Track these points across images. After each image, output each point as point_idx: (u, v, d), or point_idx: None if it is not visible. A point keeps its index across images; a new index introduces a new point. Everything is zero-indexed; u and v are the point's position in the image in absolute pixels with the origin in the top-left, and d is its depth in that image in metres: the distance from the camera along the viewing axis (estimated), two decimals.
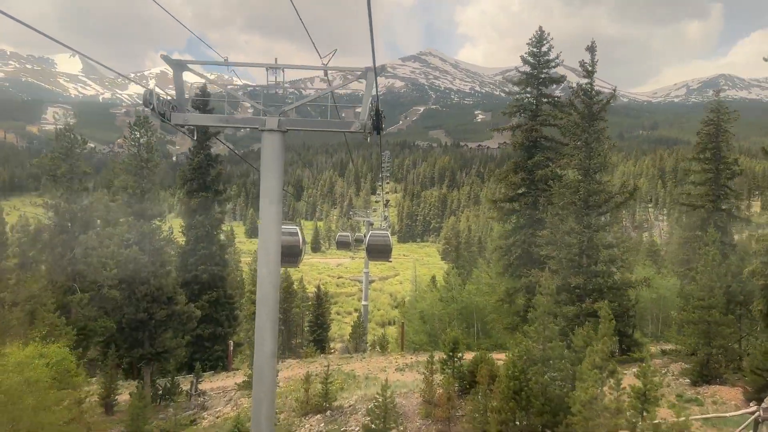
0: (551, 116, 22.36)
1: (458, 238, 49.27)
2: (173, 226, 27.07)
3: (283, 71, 13.48)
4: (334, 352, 68.90)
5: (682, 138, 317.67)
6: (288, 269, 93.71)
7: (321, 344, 68.29)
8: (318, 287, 74.50)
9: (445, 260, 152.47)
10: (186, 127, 14.83)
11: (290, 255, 16.14)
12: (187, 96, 13.73)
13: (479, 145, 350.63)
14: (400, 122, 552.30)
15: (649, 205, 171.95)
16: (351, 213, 73.42)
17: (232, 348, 29.82)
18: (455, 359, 17.14)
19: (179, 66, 13.40)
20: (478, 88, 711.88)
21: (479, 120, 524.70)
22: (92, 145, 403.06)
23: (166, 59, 13.32)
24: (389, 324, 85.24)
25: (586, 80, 18.48)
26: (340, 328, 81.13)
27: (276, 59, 13.65)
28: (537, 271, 18.49)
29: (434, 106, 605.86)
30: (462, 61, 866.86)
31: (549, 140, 22.84)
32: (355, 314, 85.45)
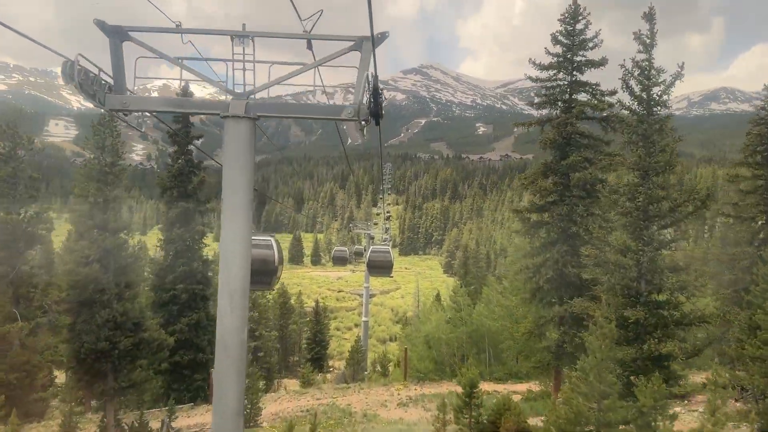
0: (590, 107, 18.27)
1: (466, 252, 45.69)
2: (150, 241, 23.82)
3: (252, 41, 10.25)
4: (333, 371, 65.37)
5: (685, 151, 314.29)
6: (285, 281, 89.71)
7: (319, 362, 64.72)
8: (316, 302, 71.02)
9: (447, 273, 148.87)
10: (130, 114, 11.60)
11: (262, 274, 12.45)
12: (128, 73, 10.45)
13: (481, 158, 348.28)
14: (402, 134, 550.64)
15: None
16: (351, 226, 69.67)
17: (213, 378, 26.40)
18: (473, 406, 13.78)
19: (117, 33, 10.16)
20: (479, 101, 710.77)
21: (480, 132, 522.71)
22: (91, 156, 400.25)
23: (100, 24, 10.03)
24: (390, 340, 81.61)
25: (642, 56, 14.61)
26: (340, 344, 77.46)
27: (244, 25, 10.37)
28: (581, 300, 14.79)
29: (436, 119, 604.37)
30: (463, 74, 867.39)
31: (586, 137, 18.63)
32: (356, 329, 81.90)
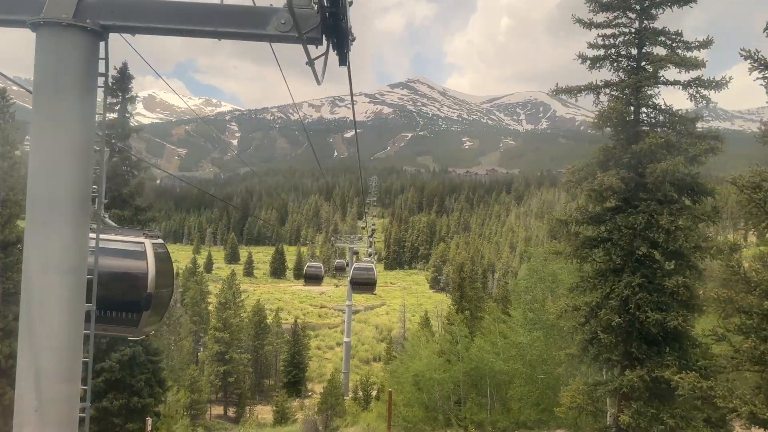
0: (672, 64, 12.15)
1: (461, 272, 39.75)
2: None
3: None
4: (311, 395, 60.02)
5: None
6: (265, 296, 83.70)
7: (296, 387, 59.37)
8: (295, 322, 65.67)
9: (433, 289, 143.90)
10: None
11: (123, 307, 6.85)
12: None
13: (467, 171, 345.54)
14: (388, 148, 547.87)
15: None
16: (333, 239, 64.16)
17: (150, 428, 21.13)
18: None
19: None
20: (465, 116, 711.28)
21: (467, 147, 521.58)
22: None
23: None
24: (374, 360, 76.19)
25: None
26: (321, 365, 71.93)
27: None
28: (693, 376, 9.22)
29: (422, 133, 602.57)
30: (450, 89, 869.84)
31: (666, 111, 12.53)
32: (338, 348, 76.43)
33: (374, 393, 55.05)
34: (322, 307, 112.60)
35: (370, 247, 56.71)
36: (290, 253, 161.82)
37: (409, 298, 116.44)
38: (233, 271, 65.88)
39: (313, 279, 45.53)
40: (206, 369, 51.16)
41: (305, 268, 37.05)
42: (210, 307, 61.59)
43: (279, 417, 44.71)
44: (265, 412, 52.10)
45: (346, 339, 57.93)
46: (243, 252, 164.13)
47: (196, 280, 62.10)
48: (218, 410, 53.17)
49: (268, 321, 65.07)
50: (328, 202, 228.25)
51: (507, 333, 21.47)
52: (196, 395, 45.50)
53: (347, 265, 71.74)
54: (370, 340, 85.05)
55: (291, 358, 61.31)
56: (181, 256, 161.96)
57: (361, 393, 51.37)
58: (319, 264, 41.96)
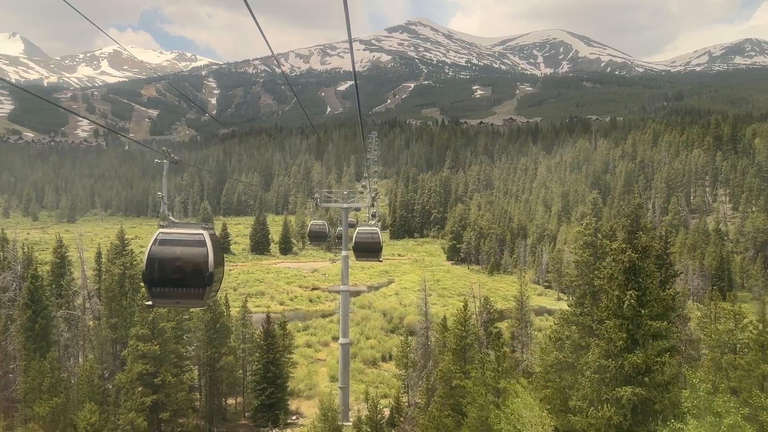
0: None
1: (557, 261, 22.65)
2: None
3: None
4: (296, 420, 45.13)
5: (714, 108, 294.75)
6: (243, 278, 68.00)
7: (273, 411, 44.08)
8: (267, 319, 49.66)
9: (452, 260, 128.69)
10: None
11: None
12: None
13: (481, 123, 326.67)
14: (388, 101, 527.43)
15: (705, 183, 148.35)
16: (317, 196, 47.70)
17: None
18: None
19: None
20: (475, 61, 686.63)
21: (478, 96, 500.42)
22: (31, 135, 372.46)
23: None
24: (383, 360, 61.07)
25: None
26: (310, 371, 56.74)
27: None
28: None
29: (426, 82, 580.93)
30: (456, 31, 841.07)
31: None
32: (334, 345, 61.34)
33: (386, 414, 40.15)
34: (314, 290, 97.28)
35: (373, 206, 42.09)
36: (276, 224, 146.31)
37: (423, 273, 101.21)
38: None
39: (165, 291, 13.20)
40: (124, 401, 35.79)
41: (151, 244, 12.45)
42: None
43: None
44: None
45: (342, 340, 42.43)
46: (218, 223, 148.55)
47: (122, 262, 46.04)
48: None
49: (232, 316, 49.57)
50: (320, 162, 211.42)
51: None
52: None
53: (331, 231, 57.16)
54: (377, 332, 69.76)
55: (264, 369, 45.47)
56: (143, 231, 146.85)
57: (366, 426, 35.98)
58: (201, 231, 14.47)
